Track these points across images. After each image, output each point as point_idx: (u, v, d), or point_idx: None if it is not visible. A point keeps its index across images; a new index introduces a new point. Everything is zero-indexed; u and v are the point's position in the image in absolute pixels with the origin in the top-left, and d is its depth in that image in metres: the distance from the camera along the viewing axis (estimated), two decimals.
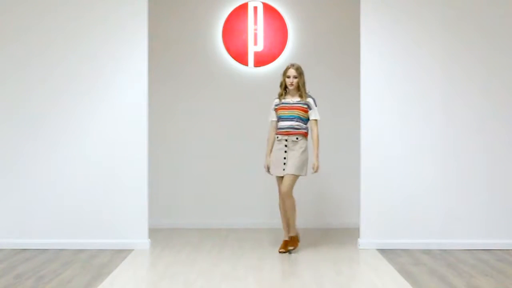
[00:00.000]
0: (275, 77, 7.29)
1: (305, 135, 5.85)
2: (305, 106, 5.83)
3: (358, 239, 6.10)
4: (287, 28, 7.32)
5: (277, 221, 7.20)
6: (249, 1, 7.31)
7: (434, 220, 6.05)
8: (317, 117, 5.87)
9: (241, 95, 7.30)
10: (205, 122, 7.37)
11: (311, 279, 4.88)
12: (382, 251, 5.87)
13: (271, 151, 5.90)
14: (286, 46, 7.32)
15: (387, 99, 6.07)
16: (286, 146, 5.81)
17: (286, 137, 5.81)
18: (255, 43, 7.30)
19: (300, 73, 5.85)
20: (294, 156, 5.77)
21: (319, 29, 7.35)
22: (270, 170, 5.92)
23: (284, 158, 5.80)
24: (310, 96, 5.88)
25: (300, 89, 5.87)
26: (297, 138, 5.79)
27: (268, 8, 7.32)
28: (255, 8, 7.31)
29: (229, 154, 7.30)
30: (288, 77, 5.85)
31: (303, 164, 5.81)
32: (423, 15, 6.07)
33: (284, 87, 5.90)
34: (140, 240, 6.00)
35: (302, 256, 5.75)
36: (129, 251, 5.87)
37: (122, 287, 4.70)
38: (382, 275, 5.05)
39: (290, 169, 5.75)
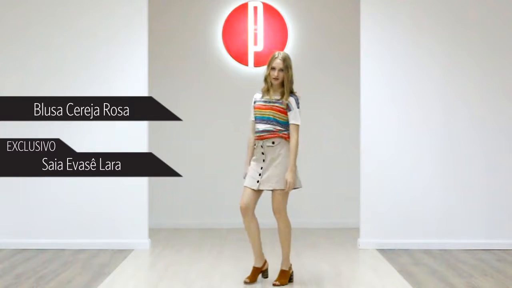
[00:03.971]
0: None
1: (282, 137, 4.68)
2: (283, 106, 4.66)
3: (358, 239, 6.10)
4: (287, 28, 7.32)
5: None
6: (249, 1, 7.31)
7: (434, 220, 6.05)
8: (297, 122, 4.65)
9: (241, 95, 7.28)
10: (205, 122, 7.37)
11: (311, 279, 4.88)
12: (382, 251, 5.88)
13: (250, 158, 4.82)
14: (286, 46, 7.32)
15: (386, 99, 6.07)
16: (263, 153, 4.71)
17: (261, 142, 4.71)
18: (255, 43, 7.29)
19: (287, 66, 4.68)
20: (273, 167, 4.68)
21: (319, 29, 7.35)
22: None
23: (261, 168, 4.72)
24: (293, 95, 4.71)
25: (284, 86, 4.69)
26: (273, 143, 4.67)
27: (268, 8, 7.32)
28: (255, 8, 7.31)
29: (229, 154, 7.29)
30: (273, 68, 4.68)
31: (295, 175, 4.69)
32: (423, 17, 6.08)
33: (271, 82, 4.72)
34: (140, 240, 6.01)
35: (302, 256, 5.75)
36: (129, 251, 5.88)
37: (122, 287, 4.71)
38: (382, 275, 5.05)
39: (269, 183, 4.68)
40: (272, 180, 4.66)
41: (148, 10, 6.05)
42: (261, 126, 4.70)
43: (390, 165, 6.07)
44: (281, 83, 4.68)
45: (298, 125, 4.67)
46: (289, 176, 4.60)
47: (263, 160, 4.71)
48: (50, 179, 5.93)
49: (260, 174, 4.69)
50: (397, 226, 6.05)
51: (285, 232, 4.79)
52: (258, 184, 4.69)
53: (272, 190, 4.69)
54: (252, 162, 4.76)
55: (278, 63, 4.65)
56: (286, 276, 4.78)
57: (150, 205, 6.20)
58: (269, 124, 4.67)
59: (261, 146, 4.70)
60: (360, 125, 6.06)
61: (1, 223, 6.04)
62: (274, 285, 4.70)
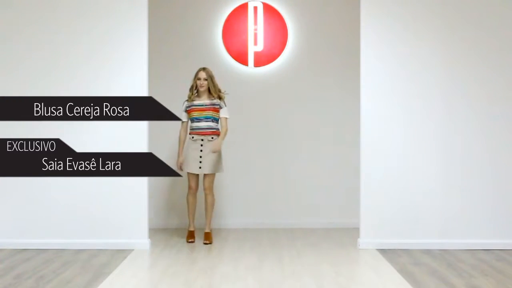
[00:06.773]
0: (275, 77, 7.33)
1: (218, 134, 6.36)
2: (217, 107, 6.35)
3: (358, 239, 6.10)
4: (287, 28, 7.32)
5: (277, 221, 7.23)
6: (249, 1, 7.31)
7: (434, 220, 6.05)
8: (227, 115, 6.37)
9: (241, 95, 7.29)
10: None
11: (311, 279, 4.89)
12: (382, 251, 5.88)
13: (182, 150, 6.40)
14: (286, 46, 7.32)
15: (387, 98, 6.07)
16: (201, 145, 6.29)
17: (202, 137, 6.30)
18: (255, 43, 7.30)
19: (210, 75, 6.34)
20: (209, 156, 6.28)
21: (319, 29, 7.35)
22: (184, 168, 6.36)
23: (200, 156, 6.29)
24: (221, 97, 6.38)
25: (210, 91, 6.35)
26: (212, 138, 6.31)
27: (268, 8, 7.32)
28: (255, 8, 7.31)
29: (228, 154, 7.28)
30: (199, 79, 6.33)
31: (218, 162, 6.34)
32: (424, 15, 6.07)
33: (195, 88, 6.36)
34: (140, 240, 6.00)
35: (302, 256, 5.75)
36: (129, 251, 5.88)
37: (122, 287, 4.71)
38: (382, 275, 5.05)
39: (209, 168, 6.30)
40: (210, 167, 6.30)
41: (148, 10, 6.05)
42: (203, 124, 6.30)
43: (390, 165, 6.06)
44: (207, 89, 6.35)
45: (227, 118, 6.38)
46: (218, 145, 6.32)
47: (201, 150, 6.29)
48: (50, 179, 5.93)
49: (200, 162, 6.28)
50: (397, 226, 6.05)
51: (212, 204, 6.44)
52: (200, 169, 6.32)
53: (207, 174, 6.36)
54: (190, 152, 6.32)
55: (202, 74, 6.33)
56: (211, 236, 6.36)
57: (150, 205, 6.20)
58: (209, 122, 6.31)
59: (202, 140, 6.29)
60: (361, 125, 6.06)
61: (1, 223, 6.03)
62: (205, 243, 6.22)
